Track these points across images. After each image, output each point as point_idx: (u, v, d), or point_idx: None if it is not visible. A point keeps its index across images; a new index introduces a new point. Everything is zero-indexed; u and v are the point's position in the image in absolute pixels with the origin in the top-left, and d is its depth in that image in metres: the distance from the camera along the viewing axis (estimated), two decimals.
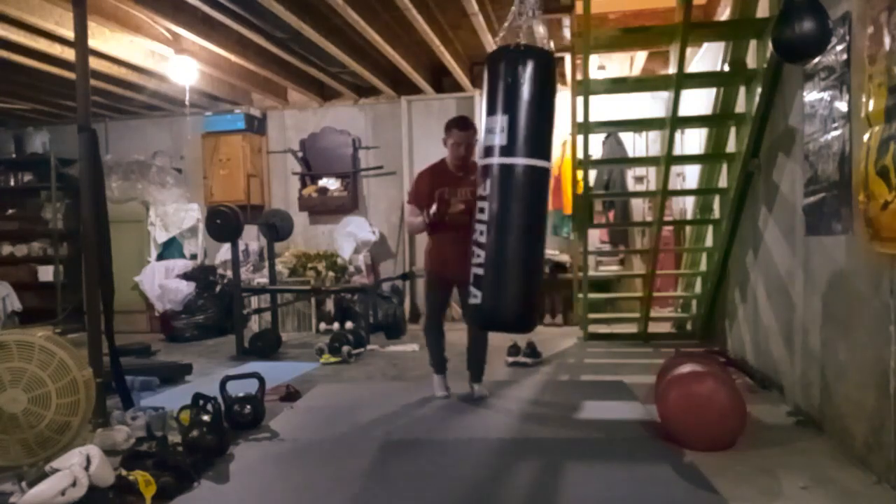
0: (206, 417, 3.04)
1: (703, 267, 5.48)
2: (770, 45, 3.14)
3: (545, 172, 2.97)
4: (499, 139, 2.84)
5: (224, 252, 7.32)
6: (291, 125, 7.93)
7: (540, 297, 3.43)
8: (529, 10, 2.94)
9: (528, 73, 2.83)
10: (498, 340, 5.93)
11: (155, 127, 8.16)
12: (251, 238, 7.54)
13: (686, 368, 3.06)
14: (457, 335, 6.44)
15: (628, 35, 4.84)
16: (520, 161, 2.85)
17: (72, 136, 3.67)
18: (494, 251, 2.87)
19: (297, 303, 7.00)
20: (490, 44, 5.68)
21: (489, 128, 2.87)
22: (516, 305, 2.94)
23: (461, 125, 3.65)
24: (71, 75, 4.72)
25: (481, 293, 2.88)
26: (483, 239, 2.87)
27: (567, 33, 5.59)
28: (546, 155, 2.97)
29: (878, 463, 2.51)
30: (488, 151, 2.90)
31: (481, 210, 2.89)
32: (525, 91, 2.84)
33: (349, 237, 7.23)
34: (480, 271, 2.87)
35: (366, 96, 7.67)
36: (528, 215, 2.92)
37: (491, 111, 2.87)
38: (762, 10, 4.09)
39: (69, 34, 4.15)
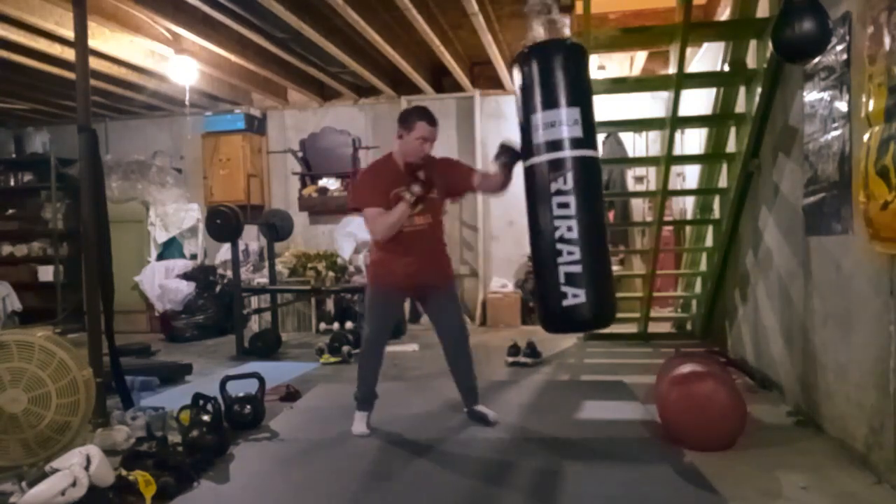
0: (206, 417, 3.04)
1: (703, 267, 5.48)
2: (770, 45, 3.14)
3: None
4: (571, 132, 2.77)
5: (224, 252, 7.32)
6: (291, 125, 7.93)
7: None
8: (548, 4, 2.96)
9: (584, 64, 2.86)
10: (497, 340, 5.95)
11: (155, 127, 8.16)
12: (251, 238, 7.55)
13: (686, 368, 3.06)
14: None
15: (628, 35, 4.83)
16: (592, 153, 2.87)
17: (72, 136, 3.67)
18: (588, 245, 2.77)
19: (297, 303, 7.00)
20: (490, 44, 5.68)
21: (553, 121, 2.80)
22: (613, 297, 2.92)
23: (429, 118, 3.16)
24: (71, 75, 4.72)
25: (584, 291, 2.71)
26: (573, 235, 2.76)
27: (567, 33, 5.58)
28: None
29: (878, 463, 2.51)
30: (559, 145, 2.83)
31: (564, 205, 2.79)
32: (588, 82, 2.89)
33: (349, 237, 7.23)
34: (577, 269, 2.71)
35: (366, 96, 7.68)
36: (602, 204, 2.97)
37: (554, 104, 2.81)
38: (762, 10, 4.09)
39: (69, 34, 4.15)
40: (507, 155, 3.05)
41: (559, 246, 2.76)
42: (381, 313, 3.33)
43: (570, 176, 2.76)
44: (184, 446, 2.92)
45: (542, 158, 2.84)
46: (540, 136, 2.82)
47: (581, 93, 2.83)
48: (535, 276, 2.97)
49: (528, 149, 2.89)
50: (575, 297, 2.73)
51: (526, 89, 2.86)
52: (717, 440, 2.88)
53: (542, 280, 2.86)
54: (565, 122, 2.78)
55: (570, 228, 2.74)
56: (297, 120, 7.91)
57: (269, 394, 3.69)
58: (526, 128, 2.87)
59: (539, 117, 2.83)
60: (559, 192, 2.77)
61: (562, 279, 2.75)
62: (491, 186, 3.25)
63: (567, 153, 2.79)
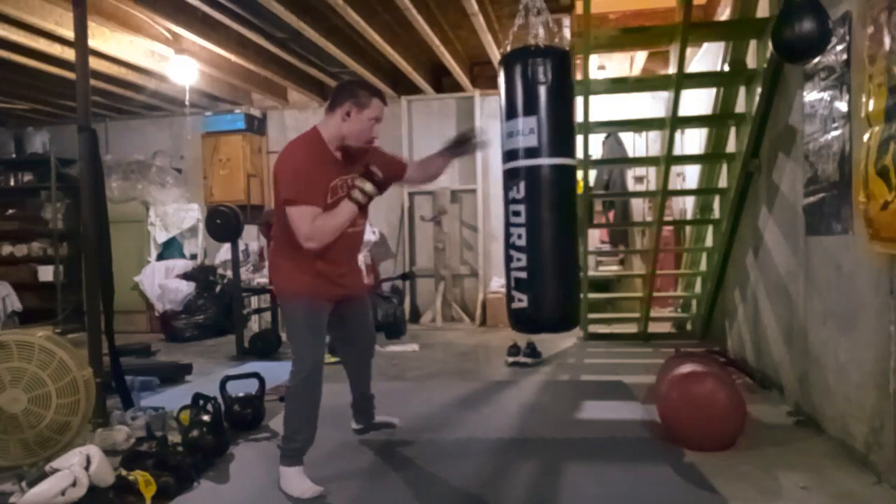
0: (206, 417, 3.04)
1: (703, 267, 5.48)
2: (770, 45, 3.14)
3: (573, 170, 3.01)
4: (524, 141, 2.81)
5: (224, 252, 7.32)
6: (291, 125, 7.92)
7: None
8: (536, 9, 2.96)
9: (552, 71, 2.85)
10: (497, 340, 5.95)
11: (155, 127, 8.16)
12: (251, 238, 7.55)
13: (686, 368, 3.06)
14: (456, 334, 6.47)
15: (628, 35, 4.83)
16: (550, 161, 2.86)
17: (72, 136, 3.67)
18: (536, 253, 2.83)
19: None
20: (490, 44, 5.69)
21: (510, 130, 2.84)
22: (562, 305, 2.95)
23: (382, 96, 2.69)
24: (71, 75, 4.72)
25: (527, 296, 2.83)
26: (522, 242, 2.82)
27: (567, 33, 5.59)
28: (572, 153, 3.00)
29: (878, 463, 2.51)
30: (513, 155, 2.87)
31: (517, 213, 2.85)
32: (554, 87, 2.87)
33: None
34: (523, 275, 2.82)
35: None
36: (560, 211, 2.94)
37: (510, 114, 2.86)
38: (762, 10, 4.09)
39: (69, 34, 4.15)
40: (460, 148, 2.82)
41: (511, 252, 2.90)
42: (319, 332, 2.68)
43: (522, 185, 2.82)
44: (184, 446, 2.92)
45: (504, 167, 2.95)
46: (503, 145, 2.90)
47: (543, 100, 2.83)
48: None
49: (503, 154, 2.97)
50: (520, 301, 2.88)
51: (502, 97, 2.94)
52: (717, 440, 2.88)
53: (505, 281, 3.02)
54: (519, 131, 2.83)
55: (519, 236, 2.84)
56: (297, 120, 7.90)
57: (269, 394, 3.69)
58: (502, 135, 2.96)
59: (502, 127, 2.92)
60: (514, 201, 2.87)
61: (512, 283, 2.90)
62: (423, 177, 2.96)
63: (519, 163, 2.86)
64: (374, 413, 3.17)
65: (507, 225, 2.92)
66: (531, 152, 2.84)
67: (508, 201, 2.90)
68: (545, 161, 2.85)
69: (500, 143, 3.06)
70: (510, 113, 2.89)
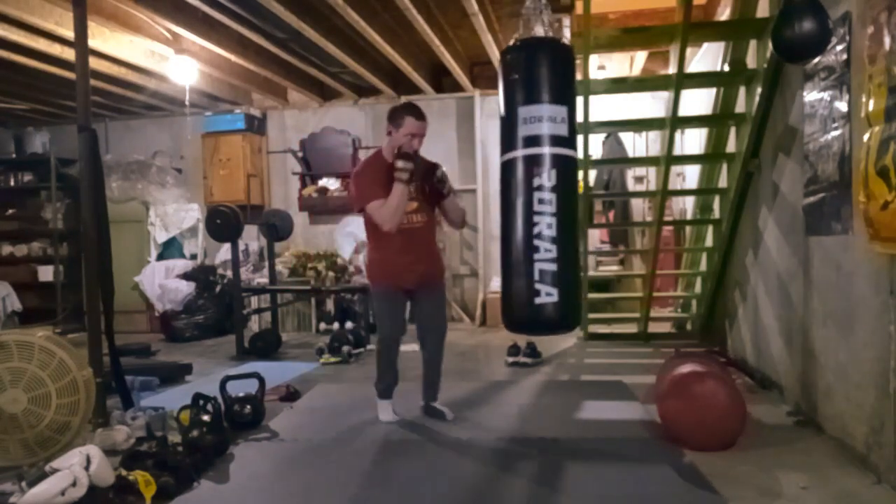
0: (206, 417, 3.04)
1: (703, 267, 5.48)
2: (770, 45, 3.14)
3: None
4: (557, 129, 2.69)
5: (224, 252, 7.32)
6: (291, 125, 7.93)
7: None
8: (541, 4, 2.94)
9: (573, 66, 2.83)
10: (497, 340, 5.95)
11: (155, 127, 8.16)
12: (251, 238, 7.55)
13: (686, 368, 3.06)
14: (456, 334, 6.47)
15: (628, 35, 4.83)
16: (574, 154, 2.80)
17: (72, 136, 3.68)
18: (564, 244, 2.68)
19: (297, 303, 7.00)
20: (490, 44, 5.68)
21: (539, 115, 2.71)
22: (579, 302, 2.87)
23: (417, 114, 3.25)
24: (71, 75, 4.72)
25: (557, 290, 2.61)
26: (552, 232, 2.62)
27: (567, 33, 5.59)
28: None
29: (878, 463, 2.51)
30: (554, 140, 2.74)
31: (543, 201, 2.66)
32: (574, 85, 2.86)
33: (349, 237, 7.23)
34: (553, 267, 2.60)
35: (366, 96, 7.67)
36: (577, 206, 2.91)
37: (541, 99, 2.72)
38: (762, 10, 4.09)
39: (69, 34, 4.15)
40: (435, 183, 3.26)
41: (537, 242, 2.65)
42: (388, 311, 3.39)
43: (553, 173, 2.66)
44: (184, 446, 2.92)
45: (524, 153, 2.72)
46: (523, 130, 2.71)
47: (568, 93, 2.80)
48: (504, 272, 2.79)
49: (508, 142, 2.78)
50: (548, 295, 2.63)
51: (514, 83, 2.76)
52: (717, 440, 2.88)
53: (515, 276, 2.74)
54: (553, 118, 2.70)
55: (549, 226, 2.63)
56: (297, 120, 7.91)
57: (269, 394, 3.69)
58: (509, 120, 2.76)
59: (524, 111, 2.71)
60: (540, 188, 2.66)
61: (536, 276, 2.64)
62: (449, 218, 3.47)
63: (552, 150, 2.71)
64: (436, 397, 3.56)
65: (530, 213, 2.66)
66: (563, 141, 2.71)
67: (533, 188, 2.66)
68: (573, 152, 2.80)
69: (502, 129, 2.93)
70: (553, 97, 2.68)
